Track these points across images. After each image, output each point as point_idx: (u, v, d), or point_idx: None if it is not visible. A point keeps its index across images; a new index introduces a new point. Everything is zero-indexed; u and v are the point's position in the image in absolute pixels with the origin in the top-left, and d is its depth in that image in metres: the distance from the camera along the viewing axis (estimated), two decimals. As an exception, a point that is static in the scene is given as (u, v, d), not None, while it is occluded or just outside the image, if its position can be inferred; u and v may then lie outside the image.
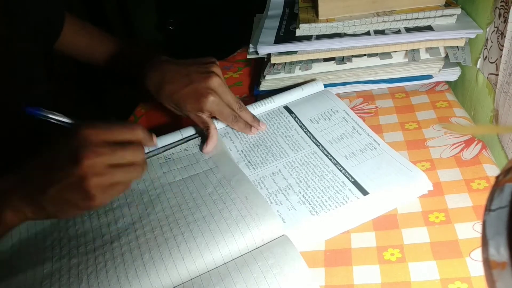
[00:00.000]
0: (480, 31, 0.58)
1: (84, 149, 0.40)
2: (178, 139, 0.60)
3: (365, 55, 0.64)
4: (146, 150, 0.59)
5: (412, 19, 0.63)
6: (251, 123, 0.59)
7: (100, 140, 0.41)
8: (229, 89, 0.58)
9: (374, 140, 0.54)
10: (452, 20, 0.62)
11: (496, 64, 0.53)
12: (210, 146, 0.56)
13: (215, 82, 0.56)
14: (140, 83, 0.63)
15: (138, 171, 0.43)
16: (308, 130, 0.58)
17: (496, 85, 0.53)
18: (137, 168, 0.43)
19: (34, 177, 0.41)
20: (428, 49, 0.62)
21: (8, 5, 0.60)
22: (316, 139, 0.56)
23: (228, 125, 0.60)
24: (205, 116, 0.57)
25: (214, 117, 0.59)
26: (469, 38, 0.61)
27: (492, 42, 0.55)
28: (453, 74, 0.64)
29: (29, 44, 0.64)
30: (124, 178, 0.42)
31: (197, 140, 0.59)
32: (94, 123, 0.42)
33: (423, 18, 0.62)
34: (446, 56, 0.62)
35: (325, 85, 0.66)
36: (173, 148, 0.58)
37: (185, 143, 0.59)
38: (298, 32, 0.66)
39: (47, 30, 0.70)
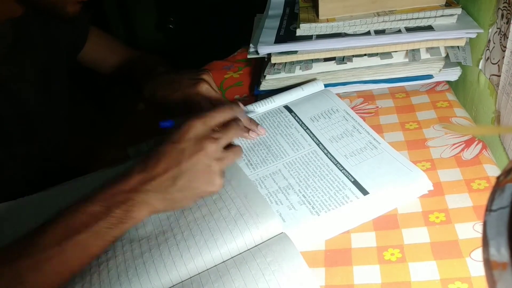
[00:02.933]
0: (481, 31, 0.58)
1: (204, 138, 0.44)
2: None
3: (365, 55, 0.63)
4: (146, 149, 0.59)
5: (412, 19, 0.63)
6: (248, 126, 0.59)
7: (211, 127, 0.46)
8: (219, 94, 0.60)
9: (374, 139, 0.54)
10: (453, 20, 0.62)
11: (498, 65, 0.53)
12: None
13: (203, 87, 0.58)
14: (140, 93, 0.67)
15: (240, 151, 0.48)
16: (308, 129, 0.58)
17: (498, 86, 0.53)
18: (239, 149, 0.48)
19: (163, 170, 0.43)
20: (428, 49, 0.62)
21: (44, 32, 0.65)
22: (316, 138, 0.56)
23: None
24: None
25: None
26: (471, 39, 0.61)
27: (494, 43, 0.55)
28: (453, 74, 0.64)
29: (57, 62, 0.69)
30: (234, 161, 0.47)
31: None
32: (198, 115, 0.45)
33: (424, 18, 0.62)
34: (447, 56, 0.62)
35: (326, 85, 0.66)
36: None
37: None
38: (299, 32, 0.66)
39: (73, 47, 0.75)
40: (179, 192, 0.44)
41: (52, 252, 0.40)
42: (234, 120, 0.48)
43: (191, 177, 0.43)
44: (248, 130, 0.59)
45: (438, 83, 0.65)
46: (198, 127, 0.44)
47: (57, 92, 0.69)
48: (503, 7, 0.52)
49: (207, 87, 0.58)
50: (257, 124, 0.59)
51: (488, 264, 0.23)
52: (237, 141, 0.59)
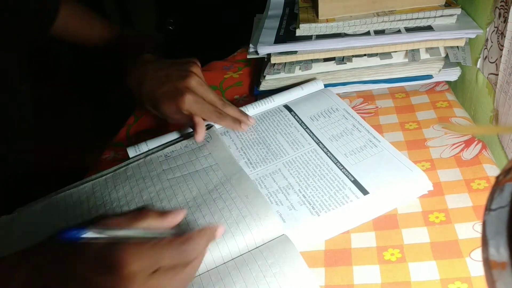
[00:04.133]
0: (480, 31, 0.58)
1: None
2: (178, 137, 0.60)
3: (365, 55, 0.64)
4: (146, 149, 0.59)
5: (412, 19, 0.63)
6: (239, 118, 0.58)
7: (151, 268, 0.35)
8: (209, 88, 0.57)
9: (374, 137, 0.54)
10: (452, 20, 0.62)
11: (496, 64, 0.53)
12: (200, 134, 0.54)
13: (193, 81, 0.55)
14: (124, 78, 0.62)
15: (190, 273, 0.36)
16: (307, 128, 0.58)
17: (496, 85, 0.53)
18: (189, 269, 0.36)
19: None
20: (428, 49, 0.62)
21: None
22: (316, 137, 0.56)
23: (214, 123, 0.58)
24: (184, 115, 0.56)
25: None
26: (469, 38, 0.61)
27: (492, 42, 0.55)
28: (453, 74, 0.64)
29: (14, 38, 0.62)
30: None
31: None
32: (138, 246, 0.35)
33: (423, 18, 0.62)
34: (446, 56, 0.62)
35: (325, 85, 0.66)
36: (173, 146, 0.58)
37: (185, 140, 0.59)
38: (298, 32, 0.66)
39: (41, 19, 0.68)
40: None
41: None
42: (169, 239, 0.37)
43: None
44: (239, 122, 0.58)
45: (437, 83, 0.65)
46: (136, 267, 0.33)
47: (15, 89, 0.63)
48: (500, 6, 0.52)
49: (197, 81, 0.55)
50: (247, 115, 0.59)
51: (488, 263, 0.23)
52: (235, 137, 0.59)
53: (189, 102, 0.55)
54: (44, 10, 0.68)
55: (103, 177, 0.55)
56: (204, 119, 0.57)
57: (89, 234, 0.36)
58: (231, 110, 0.58)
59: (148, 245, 0.35)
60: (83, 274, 0.34)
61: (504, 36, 0.50)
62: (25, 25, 0.63)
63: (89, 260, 0.34)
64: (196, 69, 0.57)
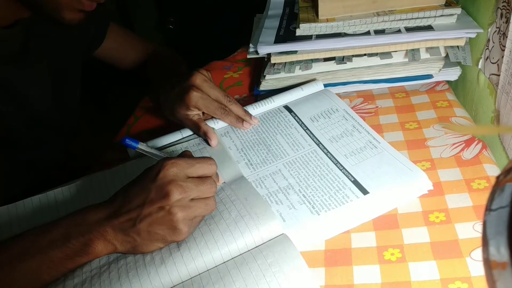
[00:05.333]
0: (481, 31, 0.58)
1: (172, 184, 0.41)
2: (178, 139, 0.60)
3: (365, 54, 0.63)
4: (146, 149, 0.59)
5: (412, 18, 0.63)
6: (242, 117, 0.60)
7: (184, 175, 0.43)
8: (215, 85, 0.60)
9: (374, 139, 0.54)
10: (452, 19, 0.62)
11: (497, 64, 0.53)
12: (214, 140, 0.57)
13: (198, 78, 0.58)
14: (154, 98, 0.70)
15: (213, 204, 0.45)
16: (308, 129, 0.58)
17: (497, 86, 0.53)
18: (212, 201, 0.45)
19: (126, 210, 0.42)
20: (428, 49, 0.62)
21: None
22: (316, 138, 0.56)
23: (219, 119, 0.60)
24: (195, 117, 0.58)
25: (211, 118, 0.61)
26: (470, 38, 0.61)
27: (493, 42, 0.55)
28: (453, 74, 0.64)
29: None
30: (203, 212, 0.44)
31: (197, 140, 0.59)
32: (178, 158, 0.44)
33: (423, 17, 0.62)
34: (447, 56, 0.62)
35: (325, 85, 0.66)
36: (173, 147, 0.58)
37: (185, 142, 0.59)
38: (298, 32, 0.66)
39: (90, 45, 0.75)
40: (138, 236, 0.42)
41: (1, 272, 0.40)
42: (212, 179, 0.45)
43: (151, 222, 0.41)
44: (242, 121, 0.60)
45: (438, 83, 0.65)
46: (172, 170, 0.42)
47: (69, 96, 0.69)
48: (502, 6, 0.52)
49: (202, 78, 0.58)
50: (250, 115, 0.60)
51: (488, 263, 0.23)
52: (235, 138, 0.59)
53: (195, 99, 0.57)
54: (90, 38, 0.74)
55: (102, 174, 0.55)
56: (209, 115, 0.60)
57: (141, 146, 0.49)
58: (235, 108, 0.60)
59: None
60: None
61: (506, 37, 0.50)
62: (71, 52, 0.69)
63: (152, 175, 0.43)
64: (202, 70, 0.60)
